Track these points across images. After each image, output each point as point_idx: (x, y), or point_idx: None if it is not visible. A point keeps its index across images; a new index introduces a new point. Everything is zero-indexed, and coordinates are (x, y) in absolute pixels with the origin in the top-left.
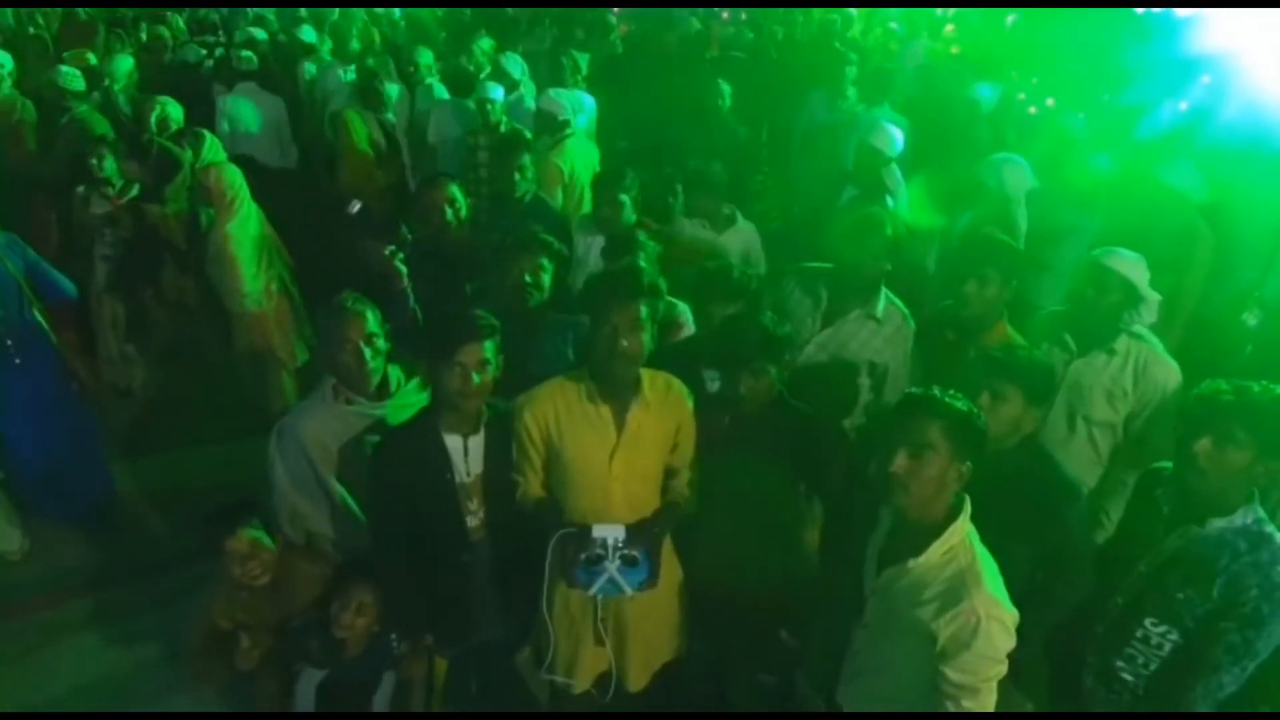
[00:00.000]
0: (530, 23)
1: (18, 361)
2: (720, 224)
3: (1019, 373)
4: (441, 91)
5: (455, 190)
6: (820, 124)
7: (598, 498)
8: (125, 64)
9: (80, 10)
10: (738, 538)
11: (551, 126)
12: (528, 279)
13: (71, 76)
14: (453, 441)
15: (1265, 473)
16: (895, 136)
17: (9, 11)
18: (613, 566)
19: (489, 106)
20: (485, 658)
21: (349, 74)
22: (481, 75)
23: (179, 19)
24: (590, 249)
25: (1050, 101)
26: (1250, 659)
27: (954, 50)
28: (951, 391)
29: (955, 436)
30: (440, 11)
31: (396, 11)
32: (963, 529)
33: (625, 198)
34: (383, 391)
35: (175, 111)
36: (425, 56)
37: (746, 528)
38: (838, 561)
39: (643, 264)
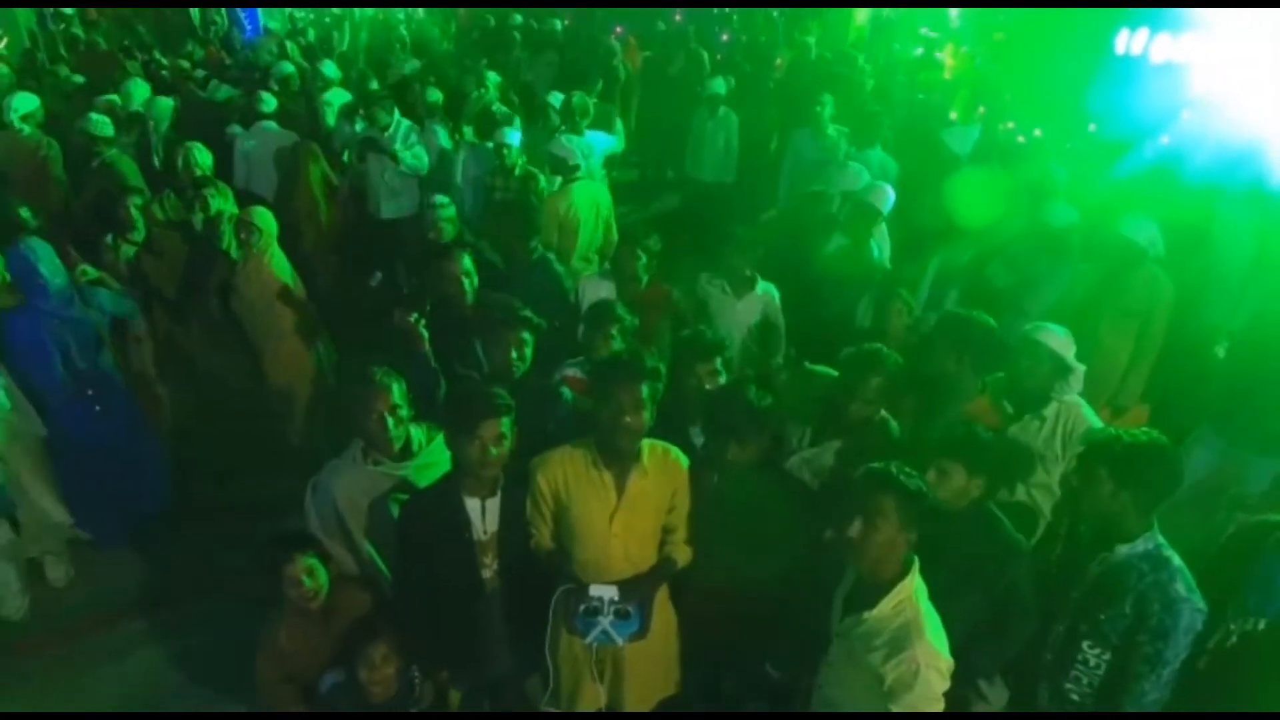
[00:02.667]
0: (536, 49)
1: (97, 408)
2: (740, 287)
3: (959, 450)
4: (444, 136)
5: (468, 262)
6: (808, 162)
7: (599, 552)
8: (166, 105)
9: (100, 38)
10: (728, 585)
11: (563, 170)
12: (513, 354)
13: (101, 124)
14: (472, 504)
15: (1132, 502)
16: (889, 195)
17: (28, 42)
18: (606, 620)
19: (505, 151)
20: (497, 688)
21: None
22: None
23: (198, 49)
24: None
25: (1037, 132)
26: (1163, 666)
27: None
28: (906, 469)
29: (904, 509)
30: (452, 32)
31: (405, 31)
32: (910, 587)
33: (641, 262)
34: (406, 453)
35: (203, 157)
36: (434, 95)
37: (733, 577)
38: (810, 607)
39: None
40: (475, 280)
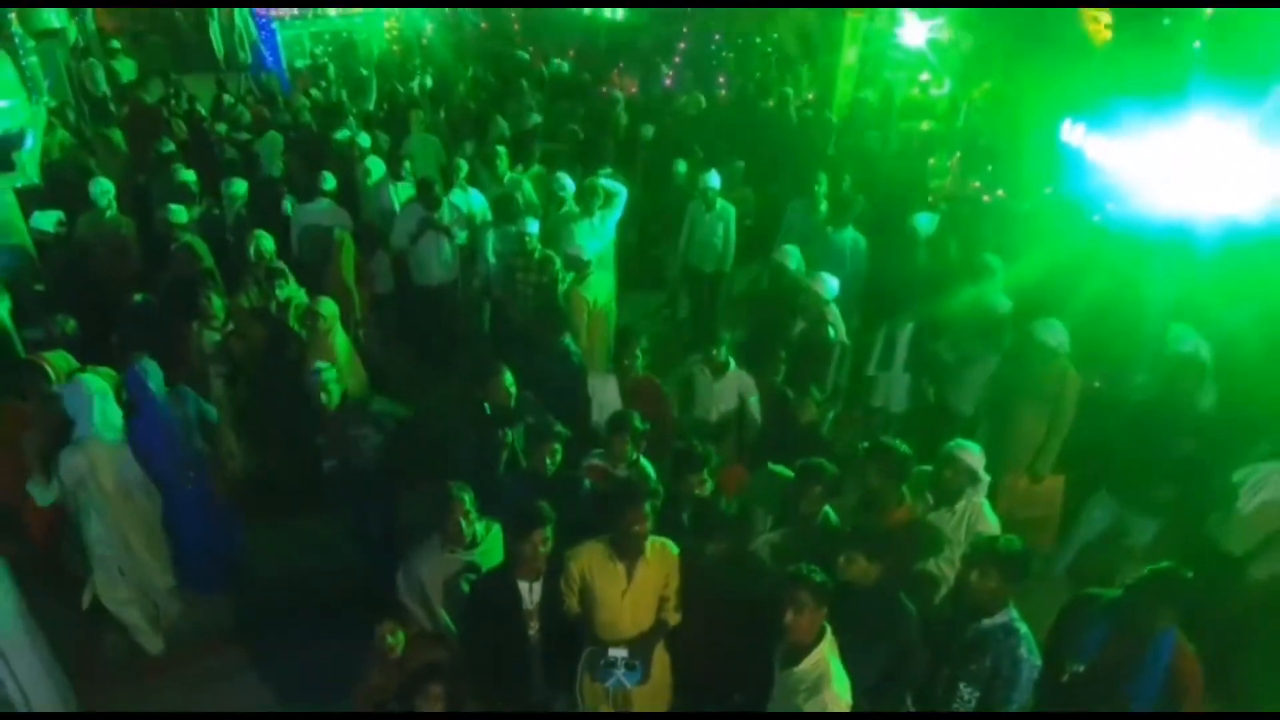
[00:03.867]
0: (551, 96)
1: (190, 488)
2: (717, 371)
3: (861, 543)
4: (478, 199)
5: (509, 380)
6: (798, 233)
7: (613, 617)
8: (241, 187)
9: (144, 95)
10: (706, 639)
11: (577, 265)
12: (548, 460)
13: (178, 213)
14: (523, 585)
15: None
16: (832, 284)
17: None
18: (619, 672)
19: (527, 239)
20: (534, 711)
21: (401, 190)
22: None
23: (244, 111)
24: (606, 387)
25: (1000, 193)
26: (1012, 704)
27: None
28: (814, 568)
29: (816, 597)
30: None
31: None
32: (824, 649)
33: (638, 361)
34: (473, 543)
35: (267, 244)
36: (463, 169)
37: (709, 634)
38: (760, 658)
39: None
40: (516, 389)
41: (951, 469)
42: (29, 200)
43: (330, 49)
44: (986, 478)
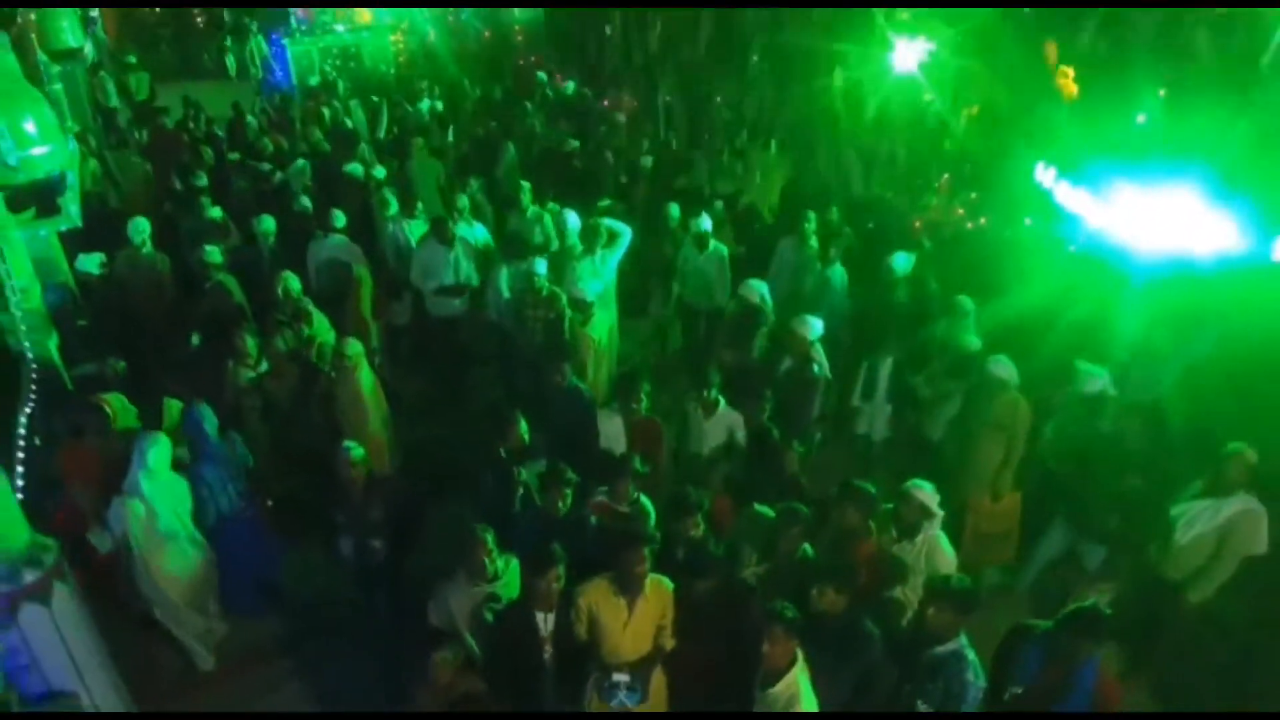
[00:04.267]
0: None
1: (242, 522)
2: (708, 410)
3: (830, 577)
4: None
5: (524, 427)
6: (789, 266)
7: (615, 646)
8: (270, 224)
9: (167, 120)
10: (697, 661)
11: (580, 307)
12: (560, 503)
13: (213, 253)
14: (539, 616)
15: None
16: (816, 325)
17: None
18: (621, 693)
19: (535, 279)
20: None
21: (414, 226)
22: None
23: (266, 141)
24: (610, 423)
25: (983, 220)
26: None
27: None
28: (786, 604)
29: (789, 630)
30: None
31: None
32: (795, 673)
33: (643, 404)
34: (495, 577)
35: (295, 285)
36: (465, 204)
37: (700, 657)
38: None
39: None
40: (528, 435)
41: (907, 505)
42: (69, 238)
43: (338, 62)
44: (940, 513)
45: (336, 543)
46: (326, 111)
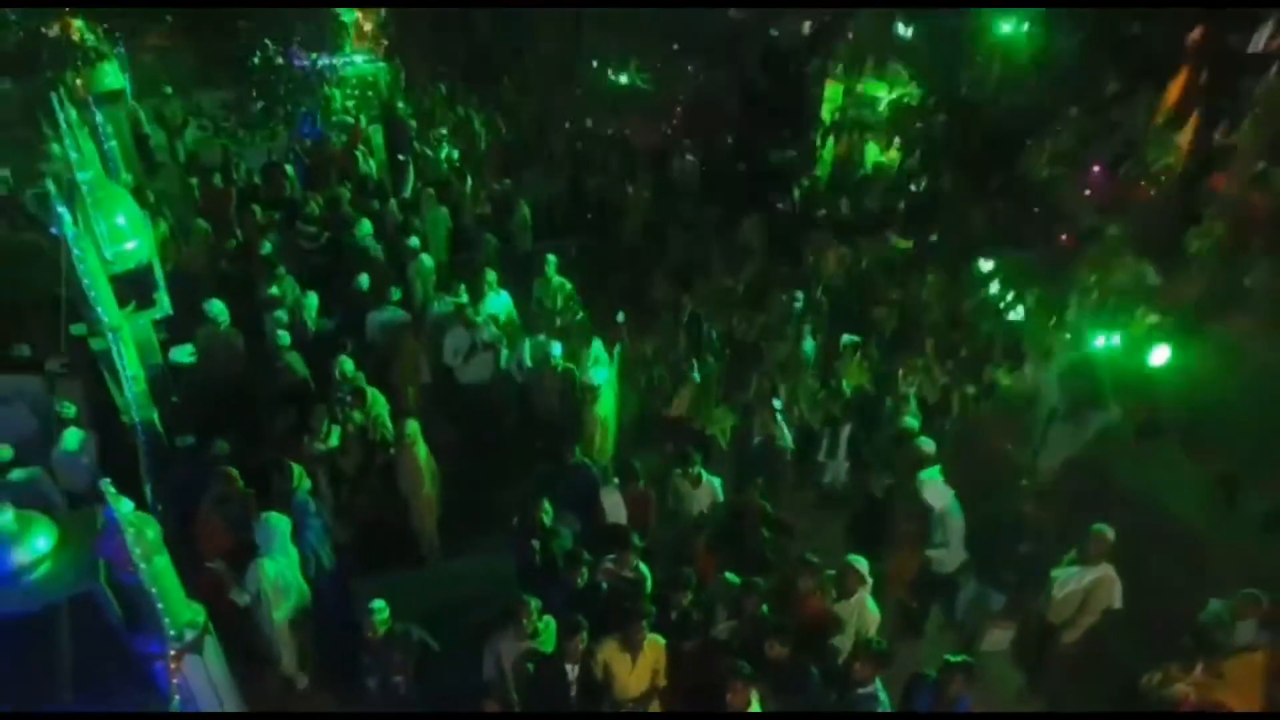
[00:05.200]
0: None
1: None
2: (694, 482)
3: (778, 634)
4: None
5: (548, 509)
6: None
7: (623, 687)
8: (313, 300)
9: (217, 176)
10: (684, 701)
11: (589, 391)
12: (579, 579)
13: (283, 337)
14: (568, 666)
15: (871, 673)
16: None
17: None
18: None
19: (551, 359)
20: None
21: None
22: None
23: (314, 205)
24: (613, 498)
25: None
26: None
27: None
28: (744, 665)
29: (745, 681)
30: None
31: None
32: (753, 709)
33: (640, 480)
34: (535, 634)
35: (349, 366)
36: (491, 278)
37: (686, 697)
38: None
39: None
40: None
41: (846, 574)
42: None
43: (355, 92)
44: (869, 581)
45: (363, 681)
46: (359, 154)
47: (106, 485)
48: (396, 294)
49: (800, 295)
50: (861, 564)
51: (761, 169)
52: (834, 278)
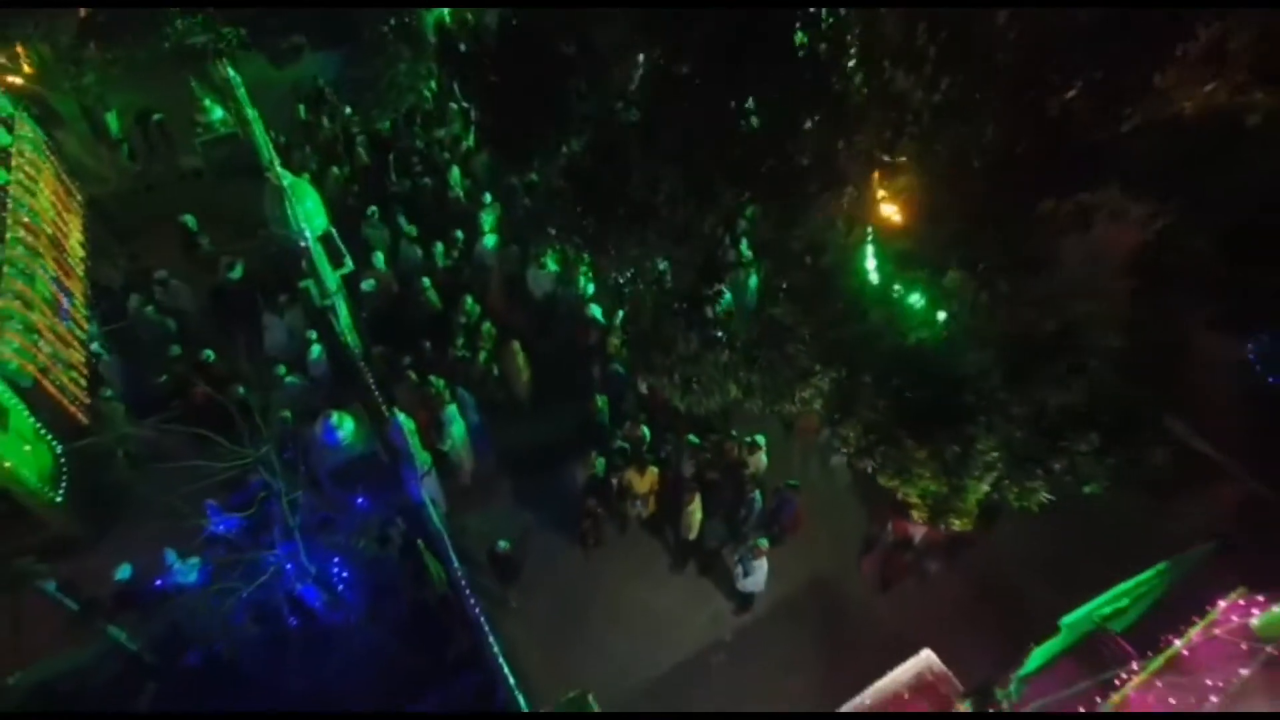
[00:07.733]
0: None
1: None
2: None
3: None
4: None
5: (603, 400)
6: None
7: (636, 490)
8: (440, 247)
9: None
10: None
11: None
12: (614, 439)
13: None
14: (612, 481)
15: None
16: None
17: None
18: (639, 505)
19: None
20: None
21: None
22: None
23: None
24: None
25: None
26: None
27: None
28: (691, 481)
29: (692, 485)
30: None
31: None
32: (696, 503)
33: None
34: (593, 465)
35: (469, 303)
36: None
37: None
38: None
39: None
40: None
41: (752, 442)
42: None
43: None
44: (763, 446)
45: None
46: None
47: (396, 413)
48: (491, 241)
49: None
50: (760, 440)
51: None
52: None
